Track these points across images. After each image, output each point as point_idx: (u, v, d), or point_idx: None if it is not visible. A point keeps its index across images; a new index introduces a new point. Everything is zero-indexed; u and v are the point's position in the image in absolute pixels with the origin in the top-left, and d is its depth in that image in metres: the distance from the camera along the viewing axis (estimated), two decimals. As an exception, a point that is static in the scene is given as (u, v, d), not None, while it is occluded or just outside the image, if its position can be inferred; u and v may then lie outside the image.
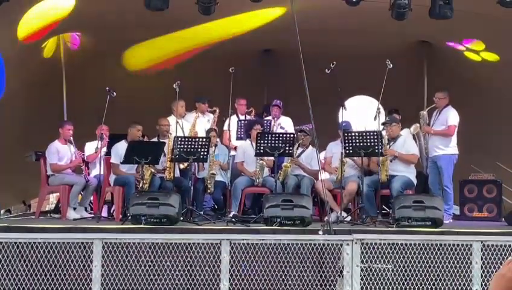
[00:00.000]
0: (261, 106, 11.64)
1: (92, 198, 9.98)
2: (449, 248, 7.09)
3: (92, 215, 9.56)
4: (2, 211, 10.63)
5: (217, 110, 10.60)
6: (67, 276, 6.86)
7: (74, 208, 9.47)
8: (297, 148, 9.77)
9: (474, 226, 8.69)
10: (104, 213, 9.91)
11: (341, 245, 6.99)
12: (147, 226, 7.89)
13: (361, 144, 8.94)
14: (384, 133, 9.35)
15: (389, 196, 9.19)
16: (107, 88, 9.50)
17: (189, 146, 9.04)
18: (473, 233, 7.53)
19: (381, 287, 7.01)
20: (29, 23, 10.42)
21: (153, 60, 12.85)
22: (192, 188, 9.48)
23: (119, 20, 10.80)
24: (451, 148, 9.64)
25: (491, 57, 11.78)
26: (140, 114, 10.94)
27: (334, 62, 9.13)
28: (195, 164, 9.63)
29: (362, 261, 6.96)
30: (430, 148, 9.76)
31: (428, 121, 9.92)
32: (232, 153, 10.17)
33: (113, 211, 9.64)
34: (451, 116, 9.67)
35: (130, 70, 12.78)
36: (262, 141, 9.16)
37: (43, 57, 11.64)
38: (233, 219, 8.78)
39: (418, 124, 9.97)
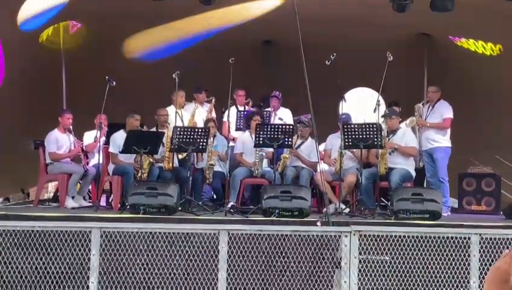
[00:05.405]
0: (260, 97, 11.61)
1: (90, 187, 9.99)
2: (447, 241, 7.09)
3: (91, 204, 9.56)
4: (1, 199, 10.64)
5: (213, 100, 10.61)
6: (65, 264, 6.87)
7: (72, 197, 9.47)
8: (296, 140, 9.77)
9: (472, 219, 8.69)
10: (103, 202, 9.91)
11: (339, 237, 6.99)
12: (145, 216, 7.90)
13: (361, 136, 8.92)
14: (383, 125, 9.34)
15: (387, 188, 9.19)
16: (107, 77, 9.48)
17: (188, 136, 9.04)
18: (471, 226, 7.53)
19: (379, 279, 7.02)
20: (29, 12, 10.40)
21: (152, 45, 12.75)
22: (190, 178, 9.48)
23: (118, 10, 10.77)
24: (446, 141, 9.68)
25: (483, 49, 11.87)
26: (140, 104, 10.92)
27: (335, 54, 9.11)
28: (194, 154, 9.63)
29: (360, 253, 6.96)
30: (425, 141, 9.77)
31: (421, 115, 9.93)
32: (231, 143, 10.16)
33: (112, 200, 9.64)
34: (447, 110, 9.71)
35: (128, 56, 12.69)
36: (261, 132, 9.15)
37: (40, 41, 11.59)
38: (231, 210, 8.77)
39: (413, 118, 9.97)
